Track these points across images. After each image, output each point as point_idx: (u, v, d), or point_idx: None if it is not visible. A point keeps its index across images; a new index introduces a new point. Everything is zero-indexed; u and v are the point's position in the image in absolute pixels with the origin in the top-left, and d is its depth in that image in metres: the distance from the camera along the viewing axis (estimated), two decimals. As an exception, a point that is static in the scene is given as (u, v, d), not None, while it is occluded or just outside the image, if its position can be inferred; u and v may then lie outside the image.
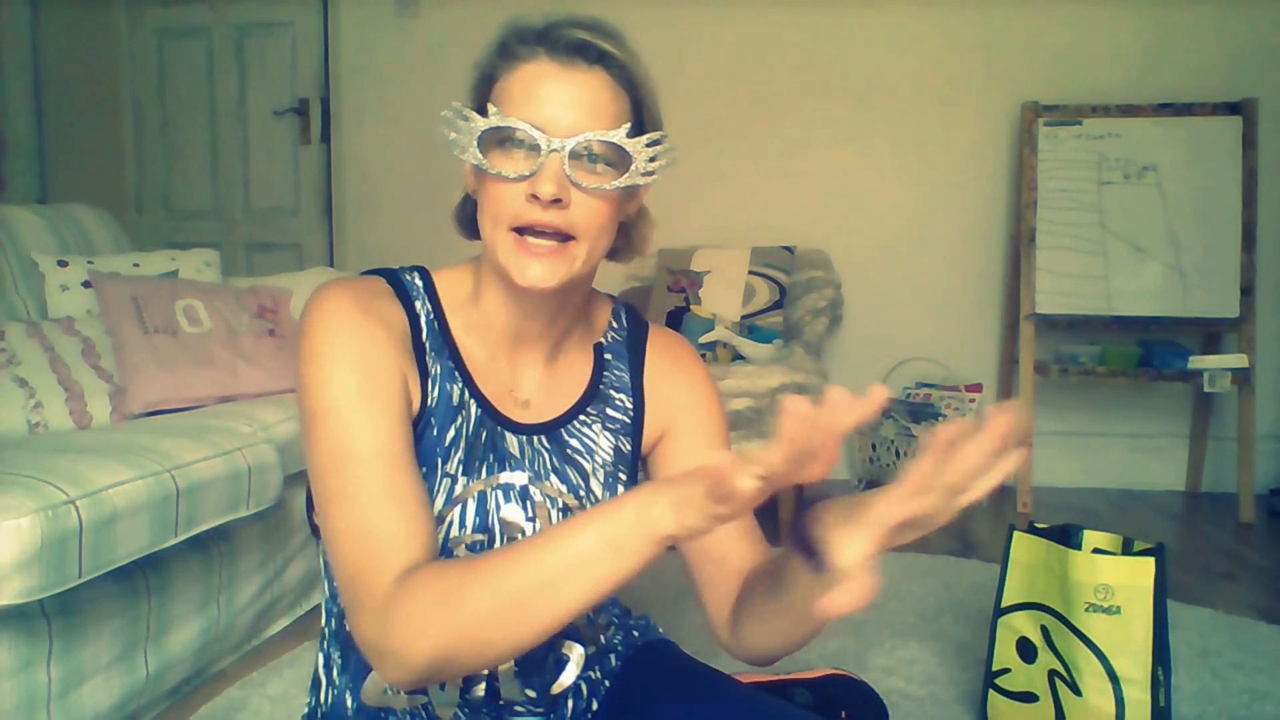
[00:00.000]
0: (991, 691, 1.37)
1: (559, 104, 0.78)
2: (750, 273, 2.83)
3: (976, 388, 2.96)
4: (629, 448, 0.95)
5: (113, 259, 2.11)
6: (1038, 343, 2.89)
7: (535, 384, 0.92)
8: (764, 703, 0.87)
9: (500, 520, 0.86)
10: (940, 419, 2.84)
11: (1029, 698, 1.32)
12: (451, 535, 0.84)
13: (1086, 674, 1.25)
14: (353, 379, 0.78)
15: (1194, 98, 2.92)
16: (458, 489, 0.85)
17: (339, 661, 0.91)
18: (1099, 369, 2.82)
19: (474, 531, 0.85)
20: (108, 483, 1.27)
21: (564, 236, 0.79)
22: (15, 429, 1.64)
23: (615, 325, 0.99)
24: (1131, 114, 2.88)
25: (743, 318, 2.77)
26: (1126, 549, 1.33)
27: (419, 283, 0.90)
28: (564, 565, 0.67)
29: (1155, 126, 2.87)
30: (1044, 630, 1.32)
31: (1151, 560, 1.25)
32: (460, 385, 0.87)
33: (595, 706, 0.94)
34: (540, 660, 0.91)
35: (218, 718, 1.44)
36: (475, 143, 0.79)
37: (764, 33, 3.19)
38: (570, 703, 0.93)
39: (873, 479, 3.05)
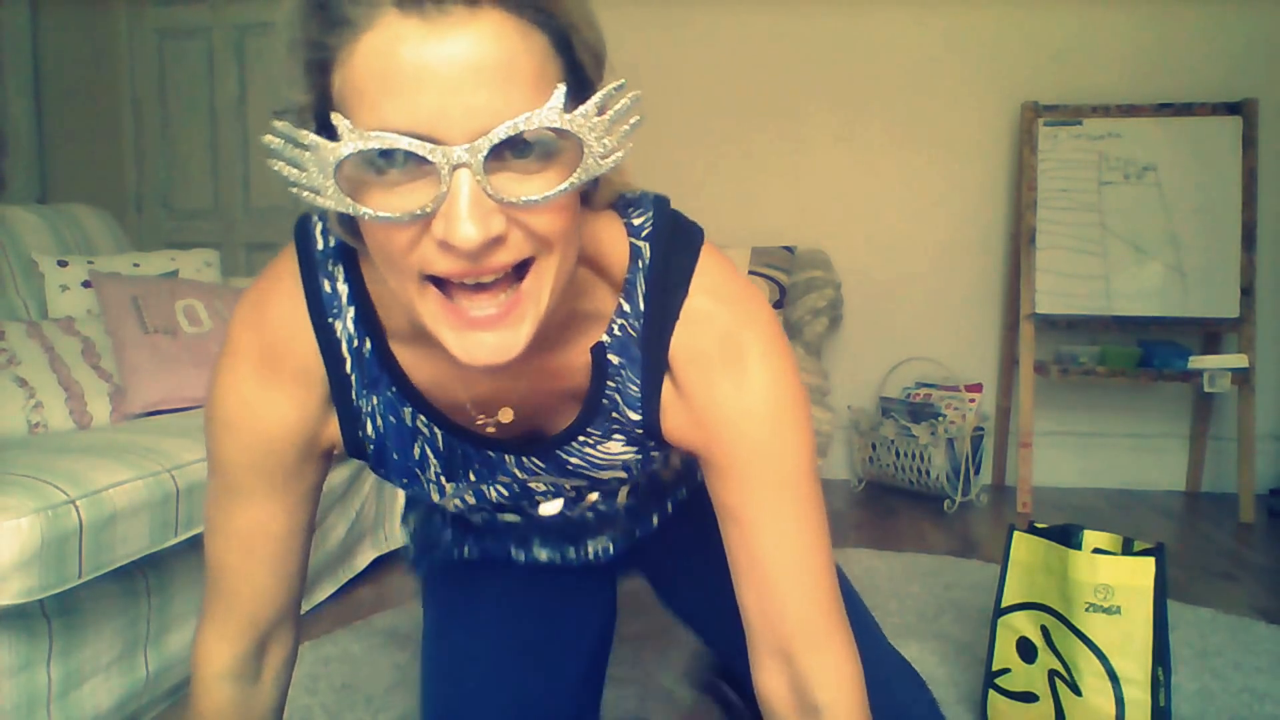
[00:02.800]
0: (991, 691, 1.37)
1: (444, 85, 0.49)
2: (750, 273, 2.83)
3: (976, 388, 2.96)
4: (653, 441, 0.75)
5: (113, 259, 2.11)
6: (1038, 343, 2.89)
7: (516, 393, 0.72)
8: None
9: (504, 497, 0.83)
10: (940, 419, 2.84)
11: (1029, 698, 1.32)
12: (461, 508, 0.85)
13: (1086, 674, 1.25)
14: (239, 455, 0.73)
15: (1194, 98, 2.92)
16: (448, 490, 0.80)
17: (447, 519, 1.02)
18: (1099, 369, 2.82)
19: (484, 505, 0.84)
20: (108, 483, 1.27)
21: (511, 280, 0.56)
22: (15, 429, 1.64)
23: (627, 306, 0.69)
24: (1131, 114, 2.88)
25: (743, 318, 2.76)
26: (1126, 549, 1.33)
27: (341, 288, 0.69)
28: None
29: (1155, 126, 2.87)
30: (1044, 630, 1.32)
31: (1151, 560, 1.26)
32: (410, 410, 0.73)
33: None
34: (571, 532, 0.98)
35: (218, 718, 1.44)
36: (332, 182, 0.52)
37: (764, 33, 3.19)
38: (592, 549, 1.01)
39: (872, 479, 3.05)
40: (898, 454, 2.91)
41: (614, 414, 0.73)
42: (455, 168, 0.50)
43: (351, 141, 0.51)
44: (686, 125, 3.21)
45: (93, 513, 1.22)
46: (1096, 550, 1.31)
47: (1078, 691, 1.25)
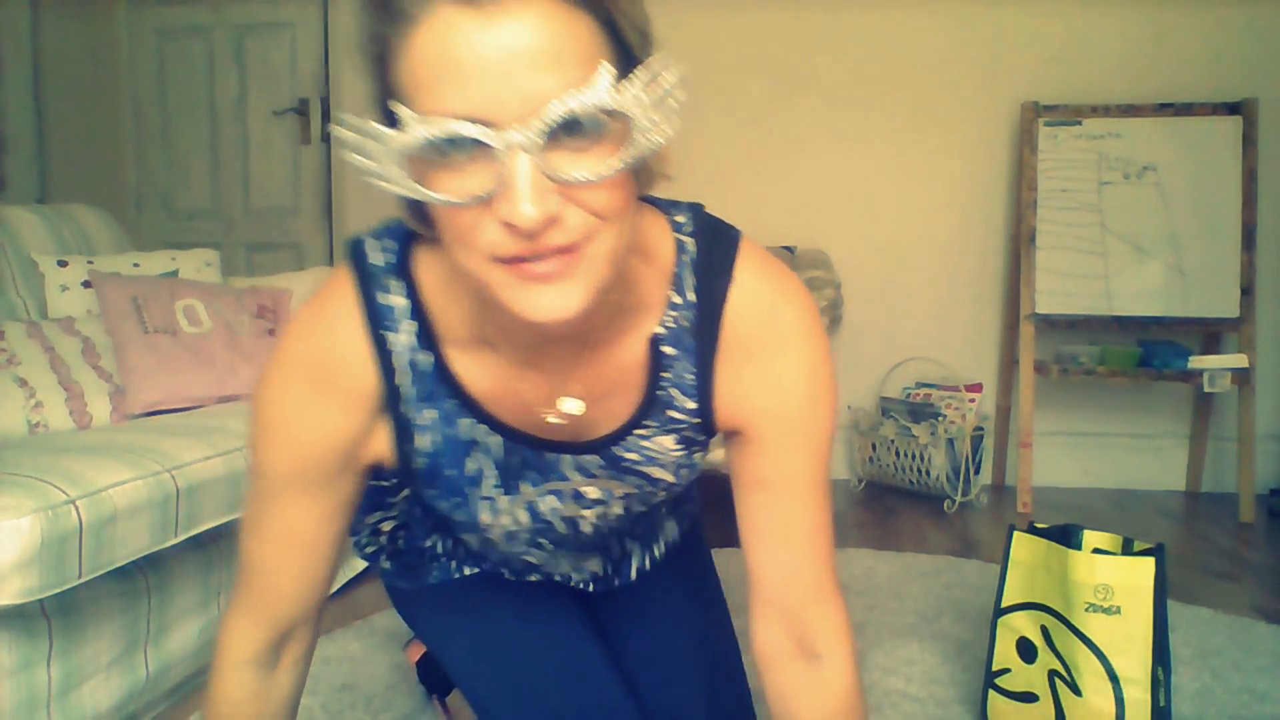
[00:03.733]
0: (991, 691, 1.37)
1: (496, 72, 0.51)
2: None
3: (976, 388, 2.96)
4: (702, 437, 0.80)
5: (113, 259, 2.11)
6: (1038, 343, 2.89)
7: (579, 390, 0.74)
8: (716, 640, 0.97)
9: (557, 515, 0.85)
10: (940, 419, 2.84)
11: (1029, 698, 1.32)
12: (509, 530, 0.86)
13: (1086, 674, 1.25)
14: (284, 463, 0.74)
15: (1194, 98, 2.92)
16: (501, 506, 0.81)
17: (446, 545, 1.03)
18: (1099, 369, 2.82)
19: (532, 522, 0.85)
20: (108, 483, 1.26)
21: (571, 248, 0.57)
22: (15, 429, 1.64)
23: (678, 299, 0.73)
24: (1131, 114, 2.88)
25: (743, 318, 2.76)
26: (1126, 549, 1.33)
27: (399, 301, 0.71)
28: None
29: (1155, 126, 2.87)
30: (1044, 630, 1.32)
31: (1151, 560, 1.25)
32: (470, 421, 0.75)
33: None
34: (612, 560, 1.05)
35: (218, 718, 1.43)
36: (398, 168, 0.56)
37: (764, 32, 3.19)
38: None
39: (872, 479, 3.05)
40: (898, 454, 2.91)
41: (669, 409, 0.76)
42: (512, 149, 0.52)
43: (413, 129, 0.53)
44: (686, 125, 3.19)
45: (93, 513, 1.22)
46: (1096, 550, 1.31)
47: (1078, 691, 1.25)
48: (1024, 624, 1.34)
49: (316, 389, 0.71)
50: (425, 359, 0.72)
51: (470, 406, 0.74)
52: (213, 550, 1.58)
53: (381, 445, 0.76)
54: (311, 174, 3.60)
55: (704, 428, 0.78)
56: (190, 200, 3.74)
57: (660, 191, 0.71)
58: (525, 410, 0.75)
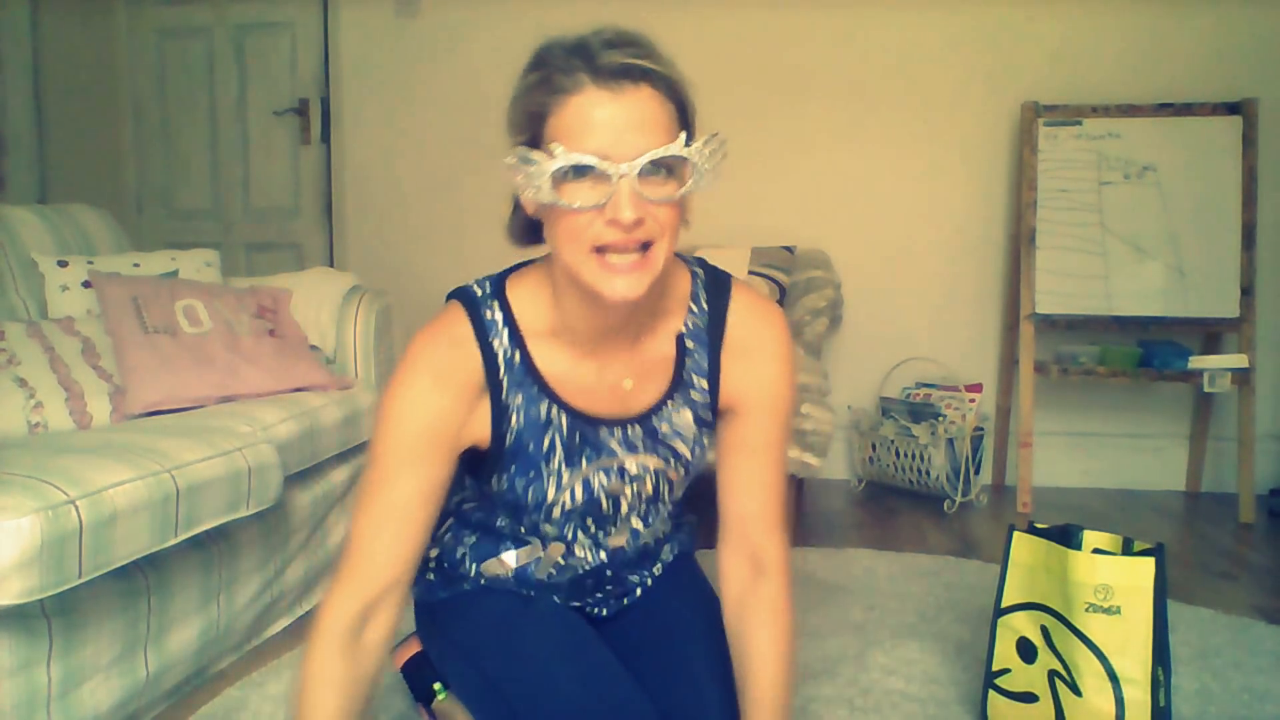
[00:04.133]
0: (991, 691, 1.37)
1: (617, 129, 0.84)
2: (750, 273, 2.83)
3: (976, 388, 2.96)
4: (709, 416, 1.08)
5: (113, 259, 2.11)
6: (1038, 343, 2.89)
7: (627, 373, 1.03)
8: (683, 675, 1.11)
9: (604, 489, 1.07)
10: (940, 419, 2.84)
11: (1029, 698, 1.32)
12: (568, 508, 1.07)
13: (1086, 674, 1.25)
14: (405, 441, 0.95)
15: (1194, 98, 2.92)
16: (564, 480, 1.04)
17: (470, 540, 1.17)
18: (1099, 369, 2.82)
19: (584, 503, 1.07)
20: (108, 483, 1.26)
21: (644, 245, 0.88)
22: (15, 429, 1.64)
23: (695, 309, 1.06)
24: (1131, 114, 2.89)
25: (743, 318, 2.76)
26: (1126, 549, 1.33)
27: (498, 315, 1.00)
28: None
29: (1155, 126, 2.87)
30: (1044, 630, 1.32)
31: (1151, 560, 1.25)
32: (547, 403, 1.01)
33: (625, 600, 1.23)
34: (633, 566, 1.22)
35: (218, 718, 1.44)
36: (547, 181, 0.86)
37: (763, 32, 3.19)
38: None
39: (872, 479, 3.05)
40: (898, 454, 2.91)
41: (690, 389, 1.06)
42: (620, 177, 0.84)
43: (562, 158, 0.84)
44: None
45: (93, 513, 1.22)
46: (1096, 550, 1.31)
47: (1078, 692, 1.25)
48: (1024, 624, 1.34)
49: (436, 382, 0.96)
50: (516, 355, 1.00)
51: (546, 391, 1.00)
52: (213, 550, 1.58)
53: (479, 429, 1.00)
54: (311, 174, 3.60)
55: (711, 406, 1.07)
56: (190, 200, 3.74)
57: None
58: (587, 393, 1.02)
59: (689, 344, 1.05)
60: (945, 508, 2.79)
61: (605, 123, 0.84)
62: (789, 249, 2.96)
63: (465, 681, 1.17)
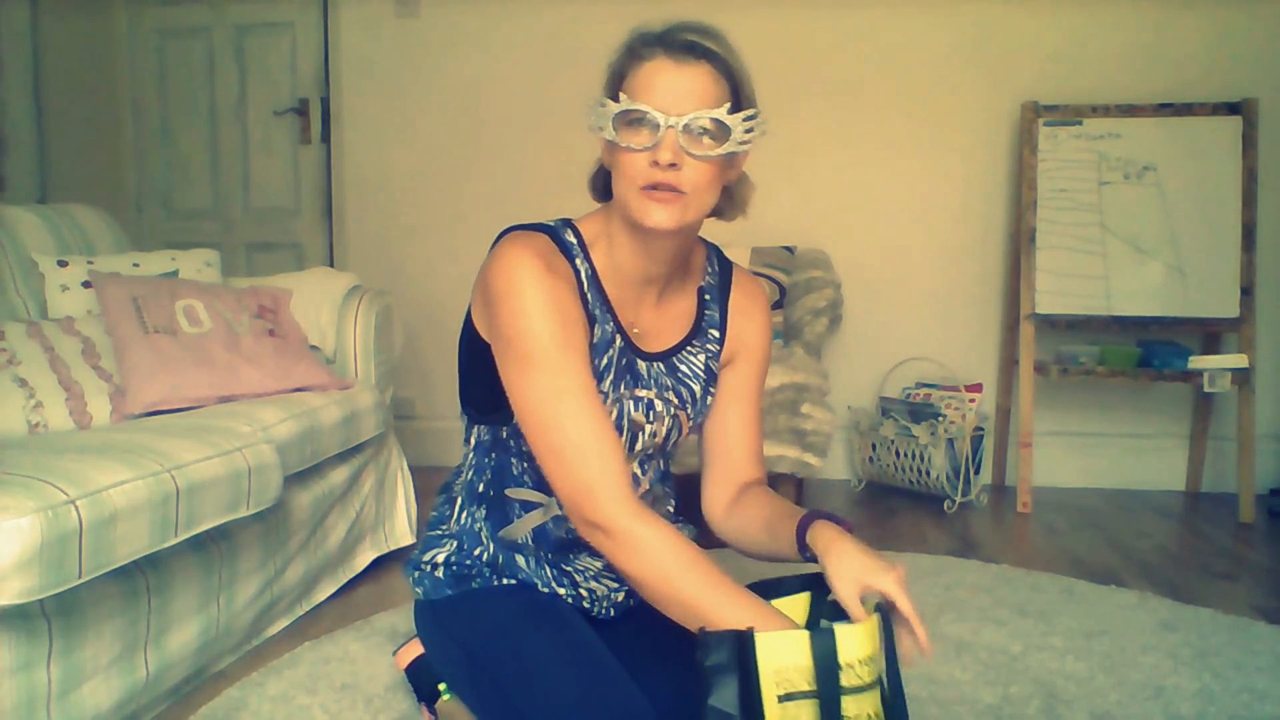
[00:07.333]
0: None
1: (674, 91, 1.01)
2: (750, 272, 2.83)
3: (976, 388, 2.96)
4: (717, 366, 1.24)
5: (113, 259, 2.11)
6: (1038, 343, 2.89)
7: (649, 319, 1.18)
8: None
9: (630, 420, 1.16)
10: (940, 419, 2.84)
11: None
12: None
13: None
14: (552, 326, 1.04)
15: (1194, 98, 2.92)
16: (609, 400, 1.14)
17: (481, 514, 1.23)
18: (1099, 369, 2.82)
19: (620, 425, 1.15)
20: (108, 483, 1.26)
21: (679, 191, 1.02)
22: (15, 429, 1.64)
23: (710, 270, 1.25)
24: (1131, 114, 2.89)
25: (743, 318, 2.76)
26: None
27: (573, 239, 1.13)
28: (726, 619, 0.94)
29: (1155, 126, 2.87)
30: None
31: (876, 617, 1.03)
32: (612, 324, 1.14)
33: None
34: None
35: (218, 718, 1.43)
36: (610, 123, 1.03)
37: (763, 32, 3.19)
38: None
39: (872, 479, 3.05)
40: (898, 454, 2.91)
41: (706, 336, 1.22)
42: (668, 127, 1.00)
43: (625, 105, 1.02)
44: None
45: (93, 513, 1.22)
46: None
47: None
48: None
49: (549, 268, 1.06)
50: (589, 272, 1.13)
51: (611, 311, 1.14)
52: (213, 550, 1.58)
53: (585, 329, 1.10)
54: (311, 174, 3.60)
55: (718, 355, 1.24)
56: (190, 200, 3.74)
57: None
58: (629, 328, 1.17)
59: (707, 297, 1.23)
60: (945, 508, 2.79)
61: (666, 85, 1.01)
62: (789, 249, 2.96)
63: (466, 681, 1.17)
